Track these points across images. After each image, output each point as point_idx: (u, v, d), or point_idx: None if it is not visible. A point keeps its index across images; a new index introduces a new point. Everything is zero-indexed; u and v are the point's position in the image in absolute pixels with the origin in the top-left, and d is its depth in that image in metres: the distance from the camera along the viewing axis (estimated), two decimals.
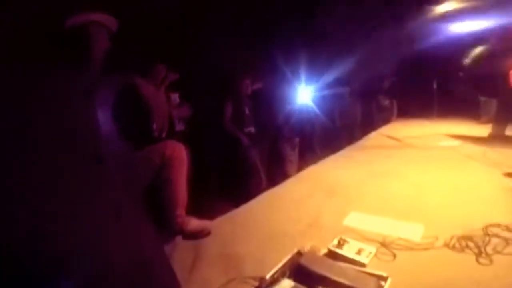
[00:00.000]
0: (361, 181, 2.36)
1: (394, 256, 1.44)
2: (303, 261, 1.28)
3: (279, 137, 3.89)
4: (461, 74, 5.34)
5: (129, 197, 1.00)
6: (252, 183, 3.20)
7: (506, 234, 1.57)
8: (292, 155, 3.85)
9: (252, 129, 3.62)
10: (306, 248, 1.39)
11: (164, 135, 1.60)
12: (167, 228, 1.70)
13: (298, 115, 4.26)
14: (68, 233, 0.77)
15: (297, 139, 4.03)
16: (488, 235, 1.56)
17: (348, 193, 2.11)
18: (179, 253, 1.58)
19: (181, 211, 1.71)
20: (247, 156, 3.43)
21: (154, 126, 1.55)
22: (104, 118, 1.00)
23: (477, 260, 1.41)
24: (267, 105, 4.01)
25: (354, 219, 1.71)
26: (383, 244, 1.51)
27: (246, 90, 3.66)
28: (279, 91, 4.21)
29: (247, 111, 3.64)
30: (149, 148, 1.71)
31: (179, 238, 1.70)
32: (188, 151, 3.03)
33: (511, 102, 3.53)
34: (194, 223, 1.71)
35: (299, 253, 1.36)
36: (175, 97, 3.11)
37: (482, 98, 4.96)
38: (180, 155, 1.71)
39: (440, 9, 5.10)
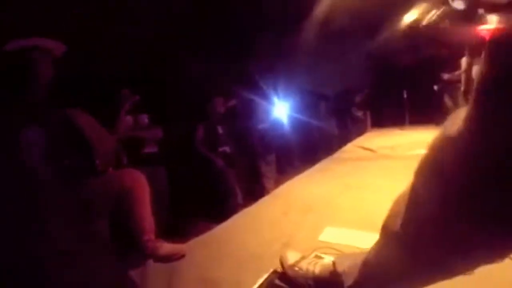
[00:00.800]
0: (337, 195, 2.35)
1: None
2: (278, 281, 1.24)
3: (255, 154, 3.89)
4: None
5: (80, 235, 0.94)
6: (228, 204, 3.16)
7: None
8: (269, 171, 3.86)
9: (227, 149, 3.61)
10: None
11: (110, 169, 1.54)
12: (138, 252, 1.64)
13: (274, 131, 4.28)
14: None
15: (273, 155, 4.04)
16: None
17: (324, 208, 2.09)
18: (152, 277, 1.51)
19: (149, 235, 1.66)
20: (222, 177, 3.41)
21: (97, 161, 1.47)
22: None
23: None
24: (242, 122, 4.02)
25: (329, 234, 1.69)
26: None
27: (219, 109, 3.67)
28: (254, 108, 4.22)
29: (220, 131, 3.64)
30: (107, 176, 1.66)
31: (150, 262, 1.63)
32: (163, 172, 2.99)
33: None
34: (166, 247, 1.65)
35: (275, 272, 1.32)
36: (143, 118, 3.10)
37: (448, 101, 5.09)
38: (141, 184, 1.68)
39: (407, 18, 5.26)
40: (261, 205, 2.39)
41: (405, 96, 6.74)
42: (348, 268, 0.99)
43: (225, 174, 3.41)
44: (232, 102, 3.94)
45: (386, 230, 0.82)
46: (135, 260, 1.65)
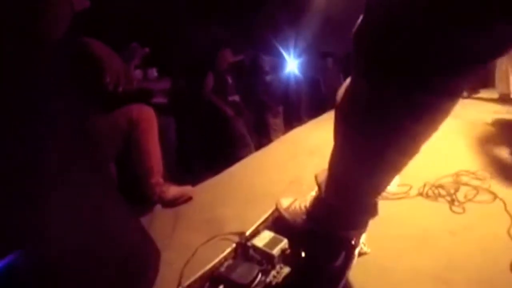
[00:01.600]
0: None
1: None
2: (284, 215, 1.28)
3: (262, 106, 3.86)
4: None
5: (93, 170, 0.96)
6: (241, 153, 3.16)
7: (475, 182, 1.60)
8: (276, 124, 3.83)
9: (236, 98, 3.56)
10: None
11: (120, 89, 1.50)
12: (145, 198, 1.67)
13: (282, 85, 4.21)
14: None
15: (280, 108, 4.00)
16: (459, 183, 1.58)
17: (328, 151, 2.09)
18: (159, 221, 1.55)
19: (157, 178, 1.66)
20: (234, 126, 3.35)
21: (108, 79, 1.44)
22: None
23: (450, 209, 1.43)
24: (250, 76, 3.95)
25: None
26: None
27: (228, 58, 3.59)
28: (261, 62, 4.13)
29: (229, 81, 3.57)
30: (114, 113, 1.64)
31: (158, 207, 1.67)
32: (172, 122, 2.98)
33: None
34: (174, 189, 1.68)
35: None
36: (153, 71, 3.21)
37: None
38: (148, 117, 1.66)
39: None
40: (268, 150, 2.41)
41: None
42: (323, 178, 1.03)
43: (235, 122, 3.35)
44: (240, 57, 3.87)
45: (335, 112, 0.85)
46: (142, 207, 1.66)
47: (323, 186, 1.03)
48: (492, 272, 1.04)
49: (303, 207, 1.17)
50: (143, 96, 2.81)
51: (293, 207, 1.22)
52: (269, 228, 1.24)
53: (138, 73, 2.92)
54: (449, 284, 1.01)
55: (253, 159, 2.25)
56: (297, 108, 4.43)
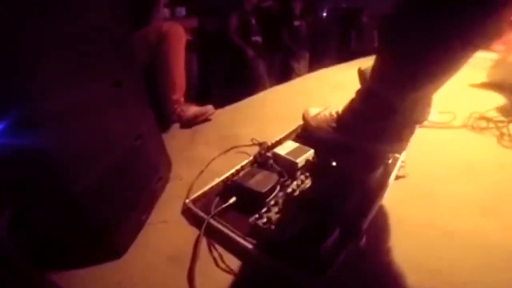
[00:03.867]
0: None
1: None
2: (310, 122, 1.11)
3: (286, 50, 3.70)
4: None
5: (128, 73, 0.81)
6: (256, 92, 3.10)
7: None
8: (300, 69, 3.69)
9: (258, 39, 3.47)
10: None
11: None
12: (164, 115, 1.54)
13: (310, 31, 3.99)
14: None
15: (306, 54, 3.81)
16: (509, 117, 1.36)
17: (354, 87, 1.89)
18: (176, 140, 1.41)
19: (178, 96, 1.55)
20: (253, 66, 3.29)
21: None
22: None
23: (499, 142, 1.22)
24: (278, 19, 3.77)
25: None
26: None
27: (252, 1, 3.48)
28: (293, 5, 3.90)
29: (253, 22, 3.47)
30: (146, 28, 1.52)
31: (176, 126, 1.54)
32: (194, 58, 2.89)
33: None
34: (193, 109, 1.54)
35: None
36: (181, 10, 3.24)
37: None
38: (177, 32, 1.52)
39: None
40: (291, 84, 2.21)
41: None
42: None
43: (254, 63, 3.28)
44: (269, 2, 3.70)
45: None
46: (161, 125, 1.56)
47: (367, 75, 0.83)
48: None
49: (334, 113, 0.98)
50: None
51: (322, 115, 1.04)
52: (294, 140, 1.07)
53: (166, 11, 2.86)
54: (498, 215, 0.85)
55: (274, 90, 2.06)
56: (322, 57, 4.18)
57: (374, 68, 0.74)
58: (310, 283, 0.61)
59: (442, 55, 0.62)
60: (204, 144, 1.30)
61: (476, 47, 0.60)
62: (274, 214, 0.75)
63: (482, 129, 1.30)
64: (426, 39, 0.60)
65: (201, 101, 1.70)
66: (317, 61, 3.99)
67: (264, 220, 0.73)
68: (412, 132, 0.80)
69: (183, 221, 0.86)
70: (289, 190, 0.84)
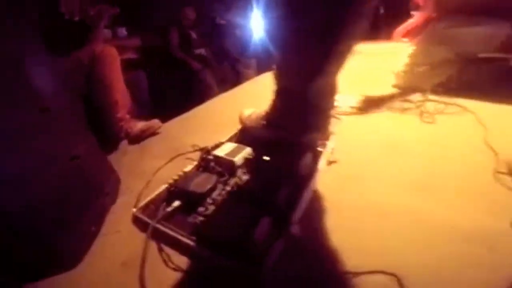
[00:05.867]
0: None
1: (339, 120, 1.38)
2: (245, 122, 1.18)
3: (232, 59, 3.84)
4: None
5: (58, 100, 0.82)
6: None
7: (445, 98, 1.51)
8: (249, 74, 3.79)
9: (202, 51, 3.59)
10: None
11: (77, 18, 1.38)
12: (112, 134, 1.54)
13: (253, 38, 4.11)
14: None
15: (253, 60, 3.94)
16: (426, 98, 1.50)
17: None
18: (125, 156, 1.42)
19: (122, 114, 1.55)
20: (201, 78, 3.37)
21: (63, 9, 1.33)
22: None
23: (420, 120, 1.35)
24: (219, 30, 3.89)
25: None
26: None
27: (191, 15, 3.60)
28: (232, 16, 4.02)
29: (194, 36, 3.59)
30: (77, 52, 1.52)
31: (124, 143, 1.54)
32: (143, 75, 2.91)
33: None
34: (139, 124, 1.55)
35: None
36: (122, 30, 3.31)
37: None
38: (110, 53, 1.53)
39: None
40: (239, 89, 2.27)
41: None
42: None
43: (202, 74, 3.38)
44: (222, 21, 3.90)
45: None
46: (108, 145, 1.54)
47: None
48: (474, 180, 0.95)
49: (263, 113, 1.05)
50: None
51: (255, 114, 1.11)
52: (236, 141, 1.14)
53: (107, 32, 2.94)
54: (429, 191, 0.92)
55: (221, 97, 2.11)
56: (269, 60, 4.32)
57: (277, 66, 0.84)
58: (246, 272, 0.66)
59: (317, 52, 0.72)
60: (153, 157, 1.32)
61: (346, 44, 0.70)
62: (210, 211, 0.80)
63: (404, 109, 1.43)
64: (300, 40, 0.70)
65: (155, 116, 1.72)
66: (265, 65, 4.14)
67: (201, 218, 0.78)
68: (327, 118, 0.88)
69: (135, 230, 0.88)
70: (228, 188, 0.90)
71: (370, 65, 2.23)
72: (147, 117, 1.66)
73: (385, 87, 1.73)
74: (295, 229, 0.72)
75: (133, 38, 3.32)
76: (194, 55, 3.48)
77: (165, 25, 3.51)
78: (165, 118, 1.91)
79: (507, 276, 0.64)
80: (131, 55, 3.13)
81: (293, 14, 0.70)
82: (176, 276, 0.73)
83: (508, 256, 0.69)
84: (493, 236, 0.73)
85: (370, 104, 1.50)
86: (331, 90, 0.84)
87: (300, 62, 0.76)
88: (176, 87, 3.26)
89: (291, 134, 0.88)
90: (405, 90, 1.67)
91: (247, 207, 0.74)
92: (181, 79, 3.31)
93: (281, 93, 0.90)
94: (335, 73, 0.79)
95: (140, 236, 0.85)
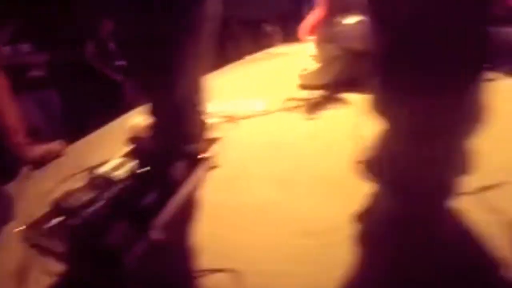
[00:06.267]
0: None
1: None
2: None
3: None
4: None
5: None
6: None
7: (332, 94, 1.67)
8: None
9: (123, 62, 3.39)
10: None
11: None
12: (10, 161, 1.49)
13: None
14: None
15: None
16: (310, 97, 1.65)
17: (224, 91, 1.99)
18: (28, 181, 1.37)
19: (19, 138, 1.48)
20: (124, 90, 3.28)
21: None
22: None
23: (307, 117, 1.48)
24: None
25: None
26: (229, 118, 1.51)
27: (108, 27, 3.41)
28: None
29: (112, 47, 3.42)
30: None
31: (27, 169, 1.49)
32: (54, 95, 2.74)
33: None
34: (40, 148, 1.51)
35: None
36: (26, 47, 2.97)
37: None
38: None
39: None
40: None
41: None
42: None
43: (124, 86, 3.30)
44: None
45: None
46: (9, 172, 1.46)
47: None
48: (336, 171, 1.03)
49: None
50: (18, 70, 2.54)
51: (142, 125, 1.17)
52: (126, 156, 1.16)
53: (6, 49, 2.68)
54: (292, 185, 1.00)
55: (140, 111, 2.10)
56: None
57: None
58: (105, 277, 0.69)
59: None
60: (52, 180, 1.31)
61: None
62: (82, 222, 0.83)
63: (293, 108, 1.56)
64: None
65: (71, 136, 1.68)
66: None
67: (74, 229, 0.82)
68: (200, 125, 0.97)
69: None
70: (104, 201, 0.92)
71: (279, 68, 2.37)
72: (58, 139, 1.62)
73: (291, 88, 1.85)
74: (155, 233, 0.77)
75: (38, 53, 3.02)
76: (115, 66, 3.34)
77: (77, 37, 3.29)
78: (80, 137, 1.89)
79: (341, 272, 0.67)
80: (37, 73, 2.93)
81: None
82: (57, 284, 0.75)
83: (342, 251, 0.72)
84: (329, 231, 0.78)
85: (273, 106, 1.61)
86: (195, 99, 0.92)
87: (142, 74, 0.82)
88: (95, 102, 3.10)
89: (167, 143, 0.95)
90: (308, 89, 1.80)
91: (110, 215, 0.79)
92: (100, 93, 3.16)
93: (152, 104, 0.96)
94: (190, 83, 0.87)
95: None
